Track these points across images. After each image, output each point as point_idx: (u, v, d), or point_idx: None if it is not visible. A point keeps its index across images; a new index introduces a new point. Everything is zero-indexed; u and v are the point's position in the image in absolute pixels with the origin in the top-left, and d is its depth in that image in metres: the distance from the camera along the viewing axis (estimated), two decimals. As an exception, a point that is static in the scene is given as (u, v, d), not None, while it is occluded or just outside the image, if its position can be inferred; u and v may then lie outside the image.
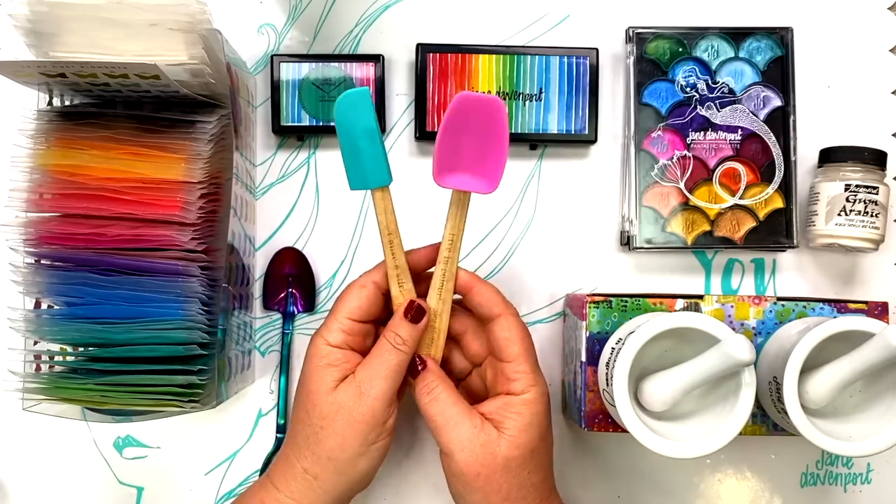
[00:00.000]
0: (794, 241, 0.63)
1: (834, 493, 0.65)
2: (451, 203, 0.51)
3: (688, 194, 0.63)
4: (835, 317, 0.55)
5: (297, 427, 0.52)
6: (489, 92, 0.63)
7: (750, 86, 0.64)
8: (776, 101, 0.64)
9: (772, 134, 0.64)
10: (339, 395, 0.50)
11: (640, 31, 0.64)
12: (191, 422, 0.64)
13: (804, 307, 0.56)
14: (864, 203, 0.61)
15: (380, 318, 0.54)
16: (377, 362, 0.51)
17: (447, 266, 0.52)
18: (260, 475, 0.63)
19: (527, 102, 0.64)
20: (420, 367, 0.53)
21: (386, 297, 0.54)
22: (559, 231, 0.66)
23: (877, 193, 0.61)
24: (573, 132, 0.64)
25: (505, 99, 0.63)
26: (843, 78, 0.66)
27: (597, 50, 0.64)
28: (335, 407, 0.50)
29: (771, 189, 0.63)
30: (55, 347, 0.55)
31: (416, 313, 0.52)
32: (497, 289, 0.54)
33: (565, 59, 0.64)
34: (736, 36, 0.64)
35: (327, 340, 0.52)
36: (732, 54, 0.64)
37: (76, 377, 0.53)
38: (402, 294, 0.53)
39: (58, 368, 0.55)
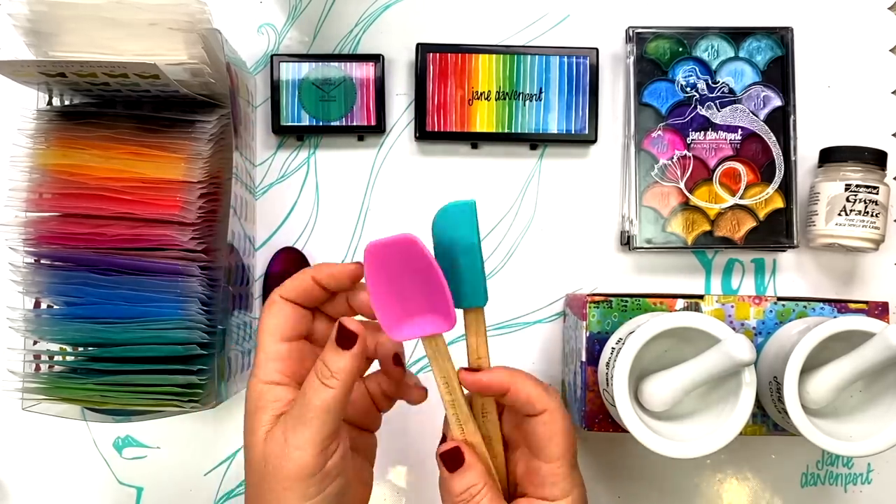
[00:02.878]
0: (795, 241, 0.63)
1: (834, 494, 0.65)
2: (425, 351, 0.43)
3: (688, 194, 0.63)
4: (835, 317, 0.55)
5: (245, 478, 0.44)
6: (489, 91, 0.63)
7: (750, 86, 0.64)
8: (776, 101, 0.64)
9: (772, 134, 0.64)
10: (269, 444, 0.42)
11: (640, 31, 0.64)
12: (191, 422, 0.64)
13: (804, 307, 0.56)
14: (865, 203, 0.60)
15: (312, 334, 0.46)
16: (300, 403, 0.42)
17: (457, 409, 0.44)
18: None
19: (527, 102, 0.64)
20: (460, 461, 0.43)
21: (307, 311, 0.45)
22: (559, 231, 0.66)
23: (877, 193, 0.61)
24: (573, 132, 0.64)
25: (505, 99, 0.64)
26: (843, 78, 0.66)
27: (597, 50, 0.64)
28: (264, 460, 0.42)
29: (771, 189, 0.63)
30: (55, 347, 0.55)
31: (344, 337, 0.42)
32: (535, 378, 0.45)
33: (565, 59, 0.64)
34: (736, 36, 0.64)
35: (259, 378, 0.43)
36: (732, 54, 0.64)
37: (76, 377, 0.53)
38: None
39: (57, 368, 0.55)
